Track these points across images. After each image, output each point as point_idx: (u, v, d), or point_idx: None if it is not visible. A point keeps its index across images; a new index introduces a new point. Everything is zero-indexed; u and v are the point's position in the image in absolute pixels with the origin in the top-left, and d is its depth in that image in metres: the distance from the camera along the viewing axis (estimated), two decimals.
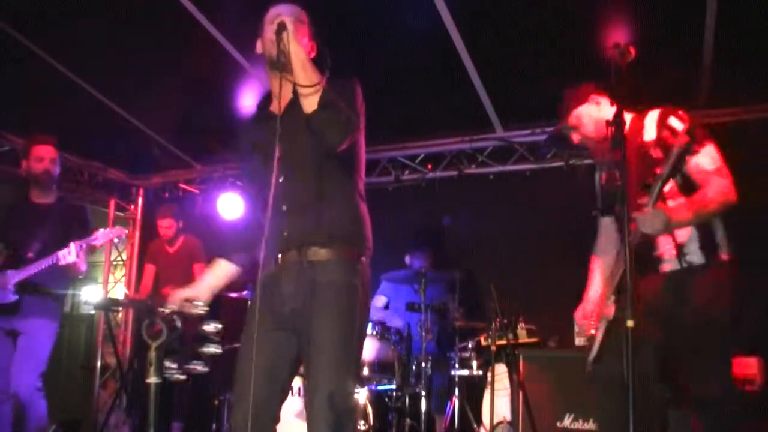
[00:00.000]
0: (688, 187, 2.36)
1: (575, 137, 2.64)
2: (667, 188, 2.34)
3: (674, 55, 3.96)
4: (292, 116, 2.08)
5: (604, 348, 2.46)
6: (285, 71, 2.04)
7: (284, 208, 2.09)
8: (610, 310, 2.42)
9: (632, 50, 2.13)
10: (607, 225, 2.72)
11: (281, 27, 1.97)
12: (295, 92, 2.09)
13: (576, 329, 2.71)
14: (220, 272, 2.34)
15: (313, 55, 2.15)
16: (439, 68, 4.36)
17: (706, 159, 2.32)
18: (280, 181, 2.06)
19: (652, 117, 2.46)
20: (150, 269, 5.39)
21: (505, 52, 4.20)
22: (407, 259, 5.05)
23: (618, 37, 3.90)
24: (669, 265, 2.40)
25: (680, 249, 2.38)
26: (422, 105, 4.82)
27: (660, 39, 3.84)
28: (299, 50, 1.98)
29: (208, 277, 2.34)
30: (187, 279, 5.16)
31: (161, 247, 5.38)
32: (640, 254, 2.32)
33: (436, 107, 4.86)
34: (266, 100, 2.30)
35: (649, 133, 2.42)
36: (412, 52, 4.22)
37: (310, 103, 1.98)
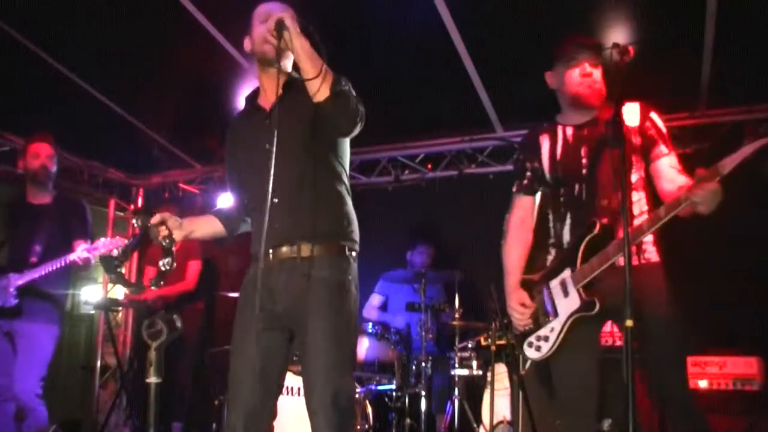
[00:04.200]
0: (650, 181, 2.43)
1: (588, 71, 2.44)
2: (634, 179, 2.38)
3: (674, 55, 3.96)
4: (282, 111, 2.08)
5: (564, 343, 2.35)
6: (271, 65, 2.09)
7: (276, 200, 2.07)
8: (574, 303, 2.33)
9: (632, 50, 2.13)
10: (530, 204, 2.59)
11: (281, 25, 1.97)
12: (285, 88, 2.09)
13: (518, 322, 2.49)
14: (208, 223, 2.34)
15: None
16: (439, 68, 4.35)
17: (675, 159, 2.38)
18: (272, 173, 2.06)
19: (632, 107, 2.42)
20: (150, 272, 5.39)
21: (505, 52, 4.19)
22: (408, 255, 5.05)
23: (618, 37, 3.90)
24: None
25: (639, 245, 2.35)
26: (422, 105, 4.82)
27: (660, 39, 3.84)
28: (304, 43, 1.97)
29: (196, 221, 2.31)
30: (182, 277, 5.17)
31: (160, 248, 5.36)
32: (598, 244, 2.31)
33: (436, 107, 4.85)
34: (254, 94, 2.31)
35: (630, 119, 2.38)
36: (412, 52, 4.22)
37: (322, 93, 1.98)
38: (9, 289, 3.48)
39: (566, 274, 2.38)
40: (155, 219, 2.14)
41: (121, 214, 6.47)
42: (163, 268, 2.06)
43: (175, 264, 2.10)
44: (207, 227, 2.34)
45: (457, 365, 4.18)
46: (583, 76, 2.44)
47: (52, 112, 4.77)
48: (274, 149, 1.96)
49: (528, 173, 2.58)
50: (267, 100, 2.23)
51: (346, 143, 2.26)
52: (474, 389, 4.31)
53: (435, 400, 4.44)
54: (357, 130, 2.10)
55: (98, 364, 6.10)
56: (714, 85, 4.17)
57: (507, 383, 4.00)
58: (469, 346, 4.32)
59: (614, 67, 2.11)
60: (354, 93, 2.09)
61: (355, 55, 4.20)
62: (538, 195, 2.62)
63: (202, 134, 5.40)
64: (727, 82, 4.13)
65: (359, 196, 4.55)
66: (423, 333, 4.23)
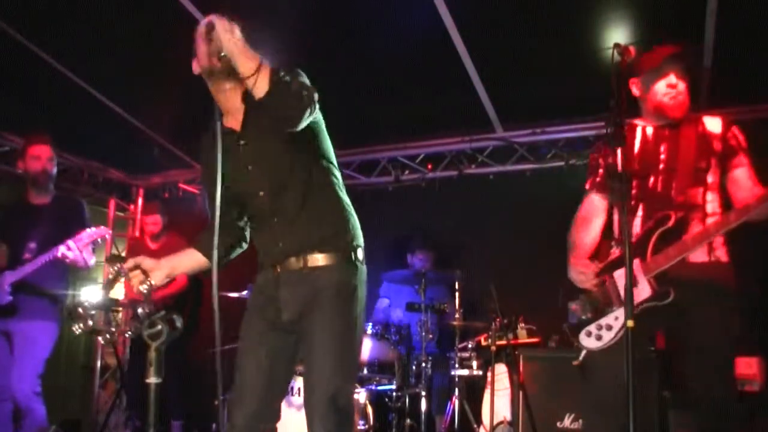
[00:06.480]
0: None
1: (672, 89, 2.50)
2: (710, 180, 2.43)
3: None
4: (252, 129, 2.07)
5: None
6: (223, 78, 2.06)
7: (275, 220, 2.09)
8: (644, 293, 2.35)
9: (632, 50, 2.13)
10: (599, 203, 2.67)
11: (210, 26, 1.95)
12: (247, 102, 2.06)
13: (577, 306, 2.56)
14: (190, 259, 2.25)
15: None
16: (439, 68, 4.35)
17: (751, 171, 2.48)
18: (261, 195, 2.07)
19: (713, 118, 2.52)
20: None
21: (505, 52, 4.19)
22: (409, 259, 5.06)
23: (618, 37, 3.90)
24: (696, 255, 2.38)
25: (710, 244, 2.39)
26: (422, 105, 4.81)
27: (660, 39, 3.83)
28: (235, 39, 1.93)
29: (176, 258, 2.22)
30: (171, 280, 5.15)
31: (143, 243, 5.31)
32: (669, 238, 2.35)
33: (436, 107, 4.85)
34: (219, 117, 2.21)
35: (713, 126, 2.48)
36: (411, 52, 4.21)
37: (261, 87, 1.91)
38: (3, 286, 3.48)
39: (634, 264, 2.36)
40: (128, 264, 2.07)
41: (121, 214, 6.47)
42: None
43: (154, 307, 2.02)
44: (189, 261, 2.24)
45: (457, 365, 4.18)
46: (668, 87, 2.49)
47: (52, 112, 4.77)
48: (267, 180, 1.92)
49: (601, 170, 2.62)
50: (233, 120, 2.16)
51: (325, 140, 2.19)
52: (474, 389, 4.31)
53: (435, 400, 4.44)
54: (309, 116, 1.96)
55: (98, 364, 6.10)
56: (714, 85, 4.16)
57: (507, 383, 4.00)
58: (469, 346, 4.32)
59: (615, 68, 2.11)
60: (301, 78, 1.98)
61: (355, 56, 4.20)
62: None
63: (202, 134, 5.40)
64: (727, 82, 4.13)
65: (359, 196, 4.54)
66: (423, 333, 4.23)
